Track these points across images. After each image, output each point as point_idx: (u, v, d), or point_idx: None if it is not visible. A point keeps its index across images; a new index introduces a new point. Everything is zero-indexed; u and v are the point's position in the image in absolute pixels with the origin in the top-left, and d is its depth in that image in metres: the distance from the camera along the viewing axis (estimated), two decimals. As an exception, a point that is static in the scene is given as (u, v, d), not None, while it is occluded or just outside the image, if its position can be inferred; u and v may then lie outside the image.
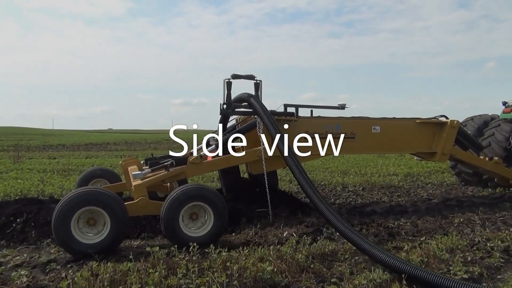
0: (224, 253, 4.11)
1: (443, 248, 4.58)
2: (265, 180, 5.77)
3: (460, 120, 9.75)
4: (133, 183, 5.28)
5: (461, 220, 6.21)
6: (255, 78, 6.13)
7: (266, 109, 5.78)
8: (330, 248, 4.61)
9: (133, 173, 5.51)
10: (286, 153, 5.33)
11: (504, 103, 9.01)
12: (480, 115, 9.85)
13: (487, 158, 7.73)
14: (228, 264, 3.86)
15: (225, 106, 6.04)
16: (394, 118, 7.16)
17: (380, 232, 5.48)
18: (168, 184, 6.55)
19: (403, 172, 12.19)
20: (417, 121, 7.16)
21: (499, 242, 4.89)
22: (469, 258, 4.38)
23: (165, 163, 5.61)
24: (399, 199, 8.23)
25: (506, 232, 5.35)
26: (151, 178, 5.47)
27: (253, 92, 6.30)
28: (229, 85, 5.99)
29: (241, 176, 7.06)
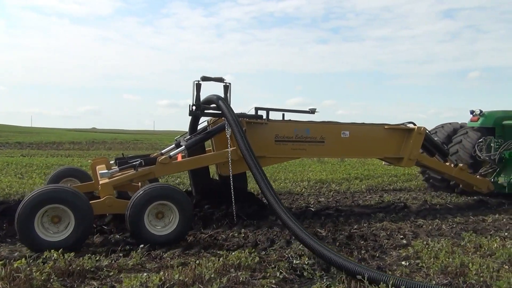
0: None
1: (214, 267, 4.09)
2: (231, 181, 6.02)
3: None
4: (100, 182, 5.36)
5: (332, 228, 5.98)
6: (224, 81, 6.30)
7: (233, 112, 5.94)
8: (99, 264, 4.20)
9: (100, 172, 5.62)
10: (247, 156, 5.48)
11: (472, 112, 9.39)
12: (450, 123, 10.31)
13: (452, 165, 8.00)
14: None
15: (194, 107, 6.16)
16: (363, 123, 7.39)
17: (199, 242, 5.21)
18: (140, 184, 6.63)
19: (317, 178, 12.05)
20: (386, 127, 7.48)
21: (307, 259, 4.50)
22: (241, 279, 3.88)
23: (134, 163, 5.68)
24: None
25: (332, 246, 5.00)
26: (118, 177, 5.58)
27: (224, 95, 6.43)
28: (198, 87, 6.19)
29: (211, 177, 7.14)
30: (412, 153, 7.49)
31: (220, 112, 6.20)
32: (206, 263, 4.17)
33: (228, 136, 6.08)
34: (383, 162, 8.49)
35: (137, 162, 5.81)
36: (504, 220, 7.05)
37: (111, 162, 6.71)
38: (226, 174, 6.34)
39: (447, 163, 8.19)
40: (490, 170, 8.81)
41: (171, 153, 6.16)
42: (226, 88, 6.40)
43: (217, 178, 7.23)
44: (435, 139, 8.59)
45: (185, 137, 6.69)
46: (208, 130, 6.49)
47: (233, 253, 4.47)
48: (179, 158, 6.40)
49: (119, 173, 5.83)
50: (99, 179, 5.77)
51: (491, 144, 8.83)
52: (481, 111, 9.38)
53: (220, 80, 6.32)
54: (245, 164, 6.37)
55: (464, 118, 9.99)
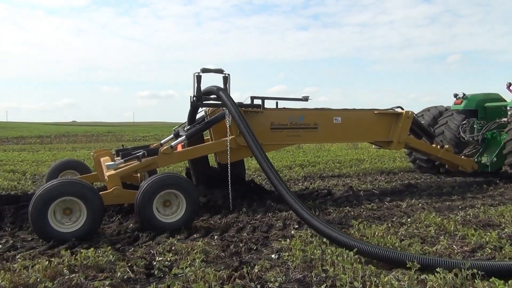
0: None
1: (47, 269, 3.66)
2: (229, 169, 6.35)
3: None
4: (107, 173, 5.56)
5: (230, 221, 5.77)
6: (224, 72, 6.49)
7: (234, 102, 6.19)
8: None
9: (106, 163, 5.87)
10: (251, 143, 5.71)
11: (455, 95, 9.83)
12: (436, 106, 10.75)
13: (438, 146, 8.42)
14: None
15: (195, 98, 6.36)
16: (354, 109, 7.72)
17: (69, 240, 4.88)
18: (139, 174, 6.81)
19: (257, 166, 11.11)
20: (375, 112, 7.84)
21: (171, 255, 4.20)
22: (74, 281, 3.46)
23: (137, 154, 5.88)
24: None
25: (220, 241, 4.75)
26: (124, 168, 5.82)
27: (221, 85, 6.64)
28: (198, 78, 6.42)
29: (210, 165, 7.38)
30: (401, 136, 7.93)
31: (220, 102, 6.43)
32: (36, 265, 3.75)
33: (228, 125, 6.32)
34: (373, 146, 8.85)
35: (141, 153, 6.00)
36: (420, 205, 6.91)
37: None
38: (225, 162, 6.59)
39: (434, 145, 8.62)
40: (474, 150, 9.40)
41: (172, 143, 6.38)
42: (226, 79, 6.66)
43: (216, 167, 7.46)
44: (422, 122, 8.99)
45: (183, 127, 6.90)
46: (207, 120, 6.74)
47: (83, 252, 4.13)
48: (179, 148, 6.61)
49: (124, 164, 6.03)
50: (104, 170, 5.95)
51: (474, 126, 9.39)
52: (464, 94, 9.91)
53: (219, 71, 6.58)
54: (243, 152, 6.72)
55: (444, 102, 10.43)
